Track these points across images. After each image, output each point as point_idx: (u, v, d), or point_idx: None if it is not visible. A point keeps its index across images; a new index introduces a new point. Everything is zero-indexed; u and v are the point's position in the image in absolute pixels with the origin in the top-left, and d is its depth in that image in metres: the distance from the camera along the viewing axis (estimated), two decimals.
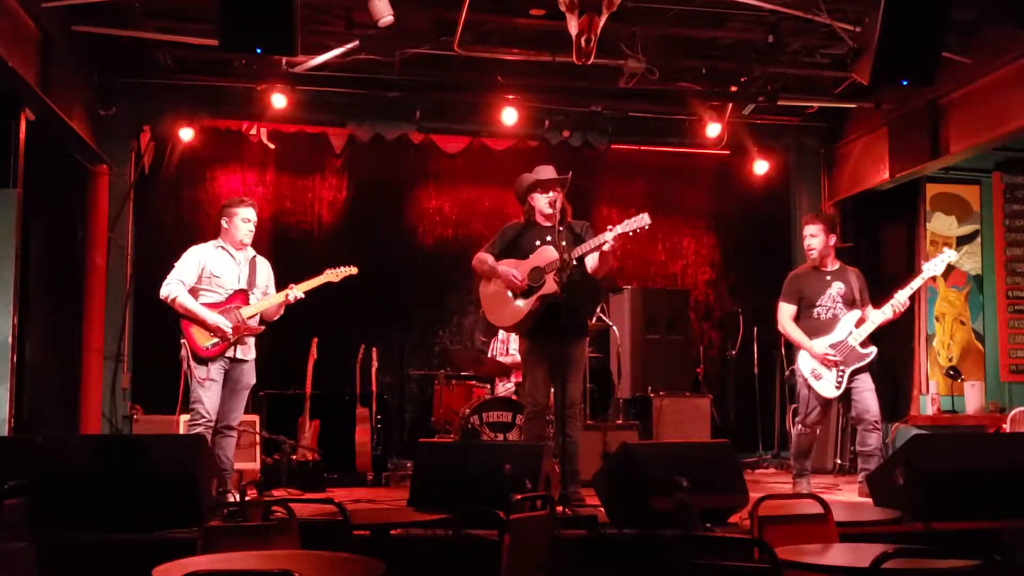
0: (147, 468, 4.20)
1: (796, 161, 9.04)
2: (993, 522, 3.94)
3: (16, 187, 6.03)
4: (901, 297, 5.72)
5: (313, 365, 6.79)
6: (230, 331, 5.30)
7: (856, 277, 5.92)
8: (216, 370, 5.30)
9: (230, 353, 5.35)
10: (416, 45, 7.01)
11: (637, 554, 4.10)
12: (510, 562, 2.98)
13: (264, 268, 5.65)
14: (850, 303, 5.83)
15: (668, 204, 9.00)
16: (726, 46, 7.53)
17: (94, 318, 7.65)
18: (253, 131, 8.28)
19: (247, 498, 3.89)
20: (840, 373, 5.73)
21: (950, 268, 7.68)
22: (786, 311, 5.97)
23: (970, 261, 8.36)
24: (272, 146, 8.37)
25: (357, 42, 6.81)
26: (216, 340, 5.30)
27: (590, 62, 5.66)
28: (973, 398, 7.94)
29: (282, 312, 5.62)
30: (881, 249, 8.65)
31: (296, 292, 5.51)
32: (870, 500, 4.86)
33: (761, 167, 8.70)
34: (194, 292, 5.38)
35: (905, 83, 5.85)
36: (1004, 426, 7.38)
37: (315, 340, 6.85)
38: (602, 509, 4.61)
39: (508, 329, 5.74)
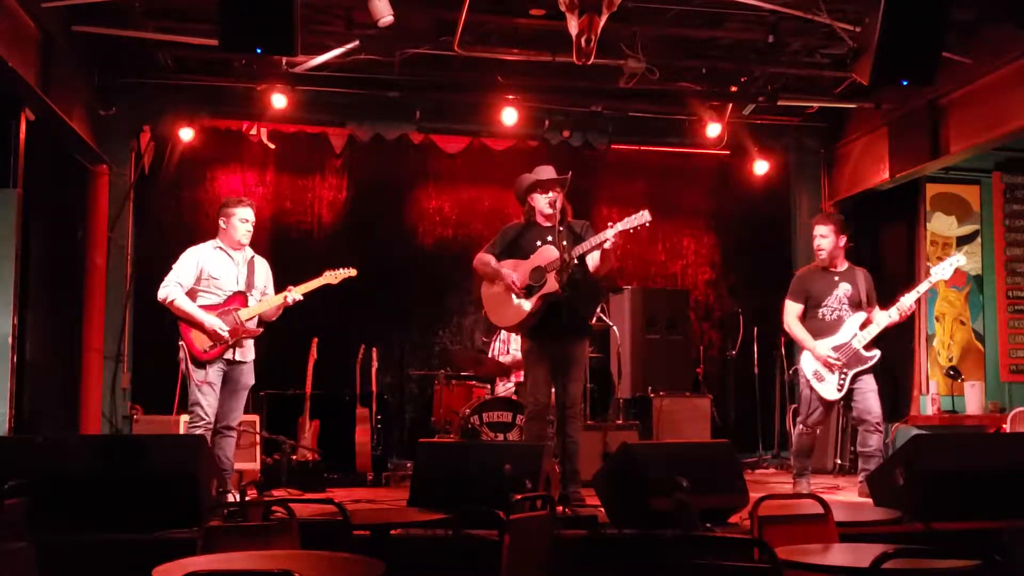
0: (147, 468, 4.20)
1: (796, 161, 9.04)
2: (993, 522, 3.95)
3: (16, 187, 6.03)
4: (907, 301, 5.72)
5: (313, 365, 6.78)
6: (228, 334, 5.28)
7: (864, 278, 5.90)
8: (214, 373, 5.28)
9: (228, 355, 5.32)
10: (416, 45, 7.01)
11: (637, 554, 4.10)
12: (510, 562, 2.98)
13: (262, 268, 5.63)
14: (856, 305, 5.81)
15: (668, 204, 8.99)
16: (726, 46, 7.53)
17: (94, 318, 7.65)
18: (253, 131, 8.28)
19: (247, 498, 3.89)
20: (842, 376, 5.72)
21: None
22: (792, 310, 5.96)
23: (970, 261, 8.35)
24: (272, 146, 8.37)
25: (357, 42, 6.81)
26: (214, 343, 5.27)
27: (590, 62, 5.66)
28: (973, 398, 7.93)
29: (280, 313, 5.59)
30: (881, 249, 8.65)
31: (295, 294, 5.49)
32: (870, 500, 4.86)
33: (761, 167, 8.70)
34: (192, 294, 5.36)
35: (905, 83, 5.85)
36: (1004, 426, 7.37)
37: (315, 340, 6.84)
38: (602, 509, 4.61)
39: (510, 329, 5.74)
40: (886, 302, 5.89)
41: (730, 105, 8.06)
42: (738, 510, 4.45)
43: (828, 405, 5.85)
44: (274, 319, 5.60)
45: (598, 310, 7.41)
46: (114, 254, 7.77)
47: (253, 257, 5.60)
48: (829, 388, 5.76)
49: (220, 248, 5.49)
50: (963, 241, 8.43)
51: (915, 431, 7.47)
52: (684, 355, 8.14)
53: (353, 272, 5.77)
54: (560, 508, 4.60)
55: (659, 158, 9.15)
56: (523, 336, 5.45)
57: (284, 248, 8.19)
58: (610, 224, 5.01)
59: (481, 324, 8.56)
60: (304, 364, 6.77)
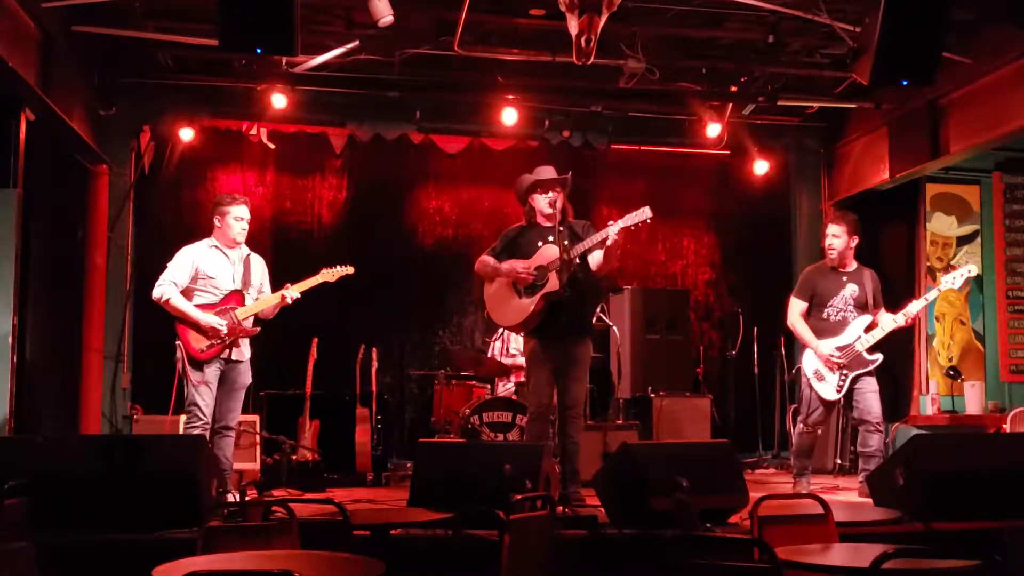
0: (147, 468, 4.20)
1: (796, 161, 9.05)
2: (993, 522, 3.94)
3: (16, 187, 6.02)
4: (914, 308, 5.72)
5: (313, 365, 6.78)
6: (225, 332, 5.27)
7: (871, 279, 5.88)
8: (212, 373, 5.26)
9: (225, 354, 5.30)
10: (416, 45, 7.01)
11: (637, 554, 4.10)
12: (510, 562, 2.98)
13: (258, 266, 5.58)
14: (862, 306, 5.80)
15: (668, 204, 8.98)
16: (726, 46, 7.53)
17: (94, 318, 7.65)
18: (253, 131, 8.28)
19: (247, 498, 3.88)
20: (843, 377, 5.72)
21: (950, 268, 7.68)
22: (796, 307, 5.94)
23: (970, 261, 8.34)
24: (272, 146, 8.37)
25: (357, 42, 6.81)
26: (211, 342, 5.26)
27: (590, 62, 5.65)
28: (973, 398, 7.93)
29: (278, 311, 5.56)
30: (881, 249, 8.64)
31: (292, 292, 5.45)
32: (870, 500, 4.86)
33: (761, 167, 8.70)
34: (188, 293, 5.31)
35: (905, 83, 5.85)
36: (1004, 426, 7.37)
37: (315, 340, 6.84)
38: (602, 509, 4.61)
39: (513, 328, 5.73)
40: (886, 302, 5.89)
41: (730, 105, 8.06)
42: (738, 510, 4.44)
43: (828, 405, 5.84)
44: (272, 318, 5.57)
45: (598, 310, 7.41)
46: (114, 254, 7.78)
47: (249, 255, 5.56)
48: (828, 389, 5.75)
49: (215, 246, 5.44)
50: (963, 241, 8.43)
51: (915, 431, 7.47)
52: (684, 355, 8.14)
53: (350, 270, 5.73)
54: (560, 508, 4.59)
55: (659, 158, 9.15)
56: (525, 336, 5.45)
57: (284, 248, 8.20)
58: (611, 222, 5.01)
59: (481, 324, 8.58)
60: (304, 364, 6.76)
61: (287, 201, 8.59)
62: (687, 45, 7.46)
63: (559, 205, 5.21)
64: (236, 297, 5.40)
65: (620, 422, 7.38)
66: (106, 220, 7.74)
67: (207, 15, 6.05)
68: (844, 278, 5.86)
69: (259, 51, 5.46)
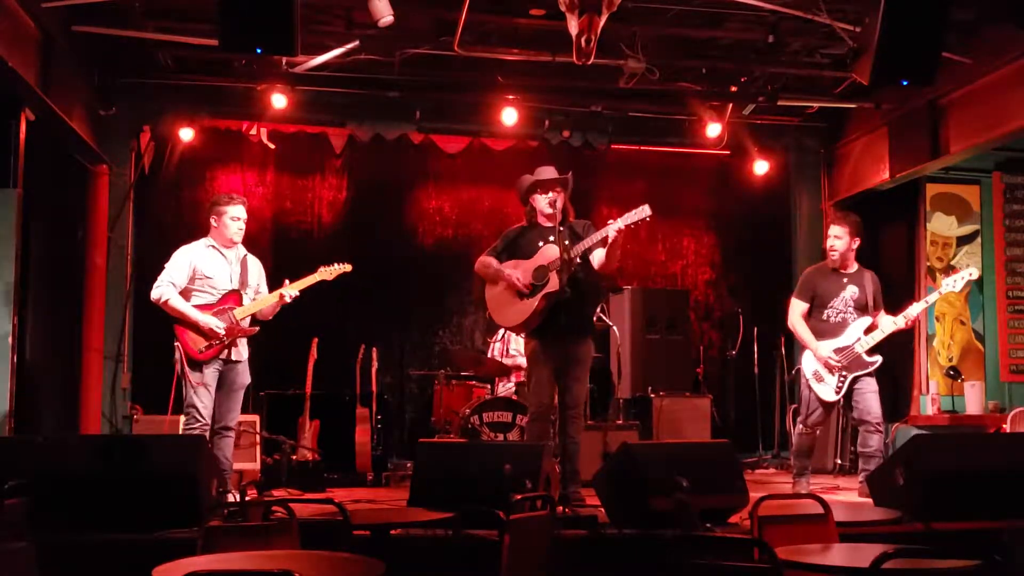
0: (147, 468, 4.20)
1: (796, 161, 9.05)
2: (993, 522, 3.94)
3: (16, 187, 6.02)
4: (915, 311, 5.72)
5: (313, 365, 6.78)
6: (223, 333, 5.26)
7: (871, 281, 5.88)
8: (211, 373, 5.25)
9: (224, 355, 5.29)
10: (416, 45, 7.01)
11: (637, 554, 4.10)
12: (510, 562, 2.98)
13: (255, 266, 5.58)
14: (862, 308, 5.80)
15: (668, 204, 8.98)
16: (726, 46, 7.53)
17: (94, 318, 7.65)
18: (253, 131, 8.28)
19: (247, 498, 3.88)
20: (842, 378, 5.72)
21: (950, 268, 7.69)
22: (797, 307, 5.94)
23: (971, 261, 8.36)
24: (272, 146, 8.37)
25: (357, 42, 6.81)
26: (210, 343, 5.24)
27: (590, 62, 5.65)
28: (973, 398, 7.93)
29: (277, 311, 5.54)
30: (881, 249, 8.65)
31: (290, 291, 5.42)
32: (870, 500, 4.86)
33: (761, 167, 8.70)
34: (186, 293, 5.30)
35: (905, 83, 5.85)
36: (1004, 426, 7.37)
37: (315, 340, 6.84)
38: (602, 509, 4.61)
39: (514, 329, 5.73)
40: (886, 301, 5.89)
41: (730, 105, 8.06)
42: (738, 510, 4.44)
43: (827, 406, 5.84)
44: (270, 317, 5.55)
45: (598, 310, 7.41)
46: (114, 254, 7.78)
47: (246, 255, 5.54)
48: (827, 390, 5.75)
49: (212, 246, 5.42)
50: (963, 241, 8.43)
51: (915, 431, 7.47)
52: (684, 355, 8.14)
53: (348, 267, 5.70)
54: (560, 508, 4.59)
55: (659, 158, 9.15)
56: (526, 336, 5.45)
57: (284, 248, 8.21)
58: (611, 221, 5.01)
59: (481, 324, 8.58)
60: (304, 364, 6.76)
61: (287, 201, 8.59)
62: (687, 45, 7.46)
63: (560, 205, 5.22)
64: (234, 297, 5.38)
65: (620, 422, 7.39)
66: (106, 220, 7.74)
67: (207, 15, 6.05)
68: (845, 280, 5.85)
69: (259, 51, 5.46)
